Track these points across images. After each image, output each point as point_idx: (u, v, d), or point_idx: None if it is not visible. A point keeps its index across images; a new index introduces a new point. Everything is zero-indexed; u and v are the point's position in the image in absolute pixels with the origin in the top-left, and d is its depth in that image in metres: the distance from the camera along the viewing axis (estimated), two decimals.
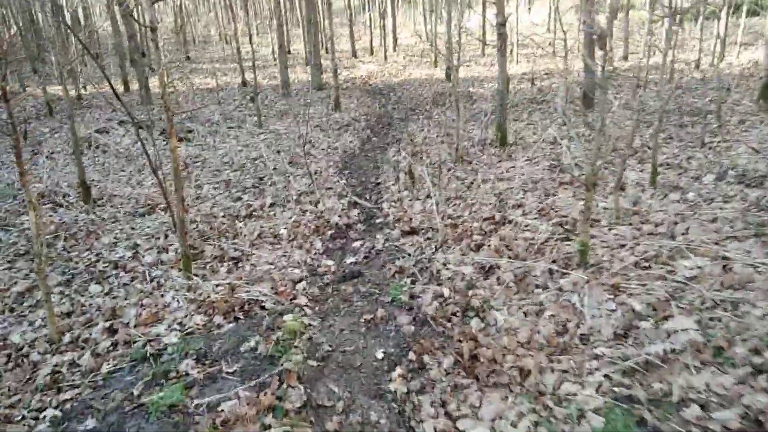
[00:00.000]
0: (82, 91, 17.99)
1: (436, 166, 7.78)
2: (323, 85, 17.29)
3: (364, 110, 13.90)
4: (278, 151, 9.62)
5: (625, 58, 18.70)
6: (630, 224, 4.74)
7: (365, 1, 36.95)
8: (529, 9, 32.97)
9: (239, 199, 6.95)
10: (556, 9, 18.83)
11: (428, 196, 6.47)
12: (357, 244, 5.46)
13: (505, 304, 3.80)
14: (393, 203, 6.53)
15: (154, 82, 16.47)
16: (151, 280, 4.66)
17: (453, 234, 5.07)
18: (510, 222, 5.22)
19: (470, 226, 5.20)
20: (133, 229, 5.88)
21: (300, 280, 4.56)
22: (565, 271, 4.09)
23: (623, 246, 4.33)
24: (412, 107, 14.07)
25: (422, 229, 5.41)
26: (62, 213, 6.49)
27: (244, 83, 18.34)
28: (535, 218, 5.21)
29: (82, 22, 24.53)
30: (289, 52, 28.70)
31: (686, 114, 9.73)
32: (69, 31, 17.46)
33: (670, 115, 9.79)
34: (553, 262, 4.28)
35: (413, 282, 4.31)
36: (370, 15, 28.23)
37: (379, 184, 7.54)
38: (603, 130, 4.10)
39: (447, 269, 4.37)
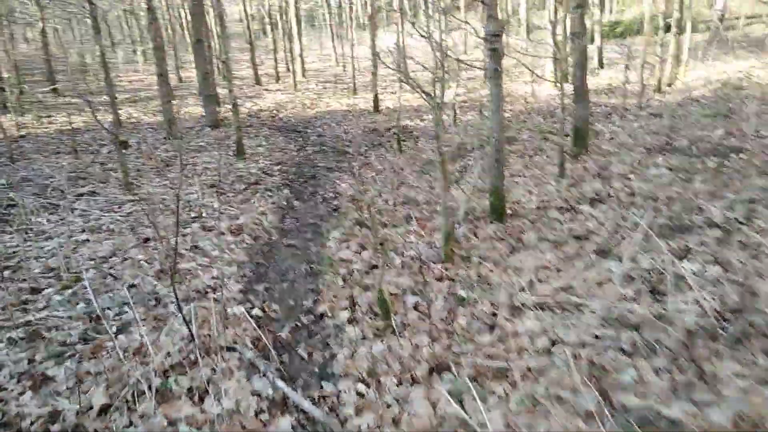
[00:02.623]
0: None
1: (416, 271, 4.60)
2: (220, 122, 13.73)
3: (277, 156, 10.53)
4: (146, 240, 6.06)
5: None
6: None
7: (265, 24, 33.59)
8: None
9: (42, 385, 3.40)
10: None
11: (433, 370, 3.26)
12: None
13: None
14: (360, 386, 3.26)
15: None
16: None
17: None
18: None
19: None
20: None
21: None
22: None
23: None
24: (340, 150, 10.88)
25: None
26: None
27: (118, 122, 14.37)
28: None
29: None
30: (180, 80, 24.78)
31: (709, 153, 7.22)
32: None
33: (685, 154, 7.28)
34: None
35: None
36: (273, 37, 24.86)
37: (322, 316, 4.23)
38: None
39: None
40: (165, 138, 12.38)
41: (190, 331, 3.52)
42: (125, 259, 5.45)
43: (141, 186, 8.49)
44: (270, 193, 7.92)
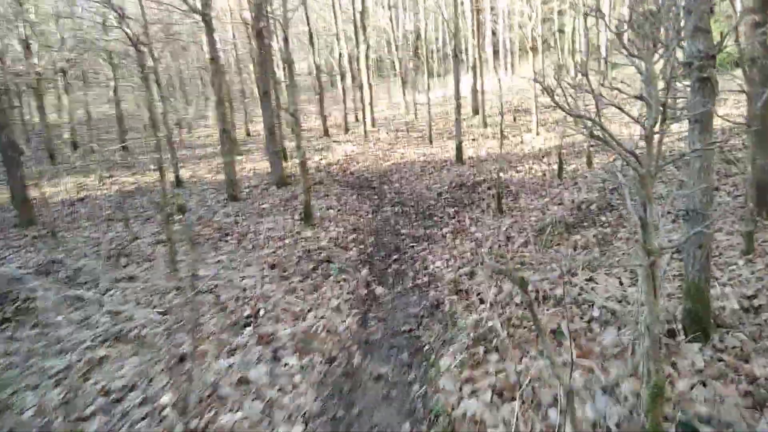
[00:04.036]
0: None
1: None
2: (287, 178, 12.35)
3: (351, 220, 8.86)
4: (181, 359, 4.39)
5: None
6: None
7: (333, 75, 33.04)
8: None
9: None
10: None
11: None
12: None
13: None
14: None
15: (46, 190, 11.32)
16: None
17: None
18: None
19: None
20: None
21: None
22: None
23: None
24: (424, 211, 9.10)
25: None
26: None
27: (178, 182, 13.32)
28: None
29: None
30: (248, 134, 24.15)
31: None
32: None
33: None
34: None
35: None
36: (342, 86, 23.85)
37: None
38: None
39: None
40: (225, 200, 11.06)
41: None
42: (144, 400, 3.77)
43: (193, 263, 6.97)
44: (346, 279, 6.17)
